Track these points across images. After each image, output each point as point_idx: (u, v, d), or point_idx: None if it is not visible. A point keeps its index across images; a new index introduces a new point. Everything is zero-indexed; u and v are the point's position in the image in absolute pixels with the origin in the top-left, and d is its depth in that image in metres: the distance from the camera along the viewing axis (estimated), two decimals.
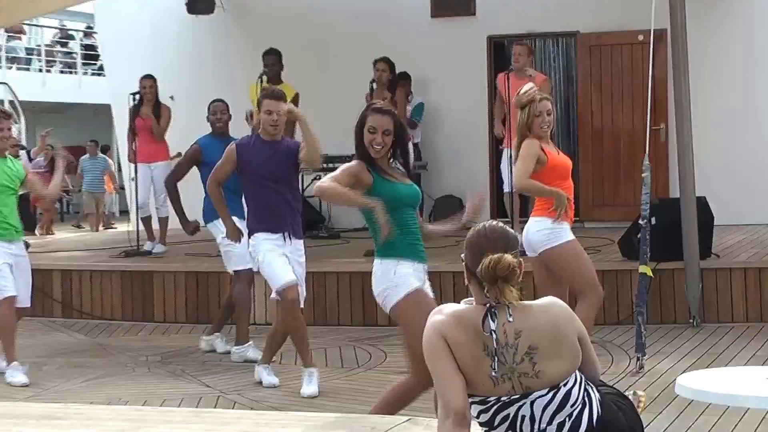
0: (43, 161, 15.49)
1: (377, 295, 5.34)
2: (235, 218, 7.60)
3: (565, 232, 6.82)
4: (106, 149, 20.87)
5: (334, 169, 5.63)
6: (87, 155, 19.43)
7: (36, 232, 16.52)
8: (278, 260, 7.10)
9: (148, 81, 11.35)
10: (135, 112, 11.31)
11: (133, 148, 11.43)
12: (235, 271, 8.38)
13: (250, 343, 8.27)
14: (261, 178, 7.18)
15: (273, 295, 7.28)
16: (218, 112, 8.65)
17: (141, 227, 11.60)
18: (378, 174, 5.36)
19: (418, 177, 12.81)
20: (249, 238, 7.29)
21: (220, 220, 7.77)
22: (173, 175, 8.73)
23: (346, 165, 5.42)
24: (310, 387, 7.15)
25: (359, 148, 5.41)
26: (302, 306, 7.29)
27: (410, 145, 10.62)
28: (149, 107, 11.33)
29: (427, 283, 5.42)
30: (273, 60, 10.81)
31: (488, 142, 12.78)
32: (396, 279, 5.23)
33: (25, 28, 25.83)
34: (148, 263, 10.68)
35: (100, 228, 18.28)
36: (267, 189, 7.18)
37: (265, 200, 7.19)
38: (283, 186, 7.24)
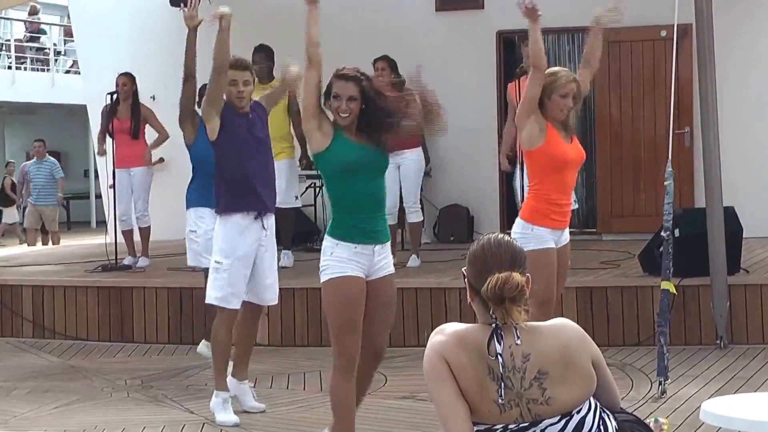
0: None
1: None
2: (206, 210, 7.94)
3: (538, 239, 6.71)
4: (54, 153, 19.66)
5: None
6: (33, 159, 18.14)
7: None
8: None
9: (123, 78, 11.38)
10: (112, 112, 11.33)
11: (105, 150, 11.51)
12: None
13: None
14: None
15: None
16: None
17: (120, 239, 11.64)
18: (341, 131, 5.68)
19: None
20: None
21: (201, 208, 8.19)
22: None
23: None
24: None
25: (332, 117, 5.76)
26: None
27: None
28: (126, 107, 11.35)
29: (383, 263, 5.70)
30: (261, 57, 10.86)
31: (497, 146, 12.80)
32: (330, 260, 5.60)
33: None
34: (126, 278, 10.70)
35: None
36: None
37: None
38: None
